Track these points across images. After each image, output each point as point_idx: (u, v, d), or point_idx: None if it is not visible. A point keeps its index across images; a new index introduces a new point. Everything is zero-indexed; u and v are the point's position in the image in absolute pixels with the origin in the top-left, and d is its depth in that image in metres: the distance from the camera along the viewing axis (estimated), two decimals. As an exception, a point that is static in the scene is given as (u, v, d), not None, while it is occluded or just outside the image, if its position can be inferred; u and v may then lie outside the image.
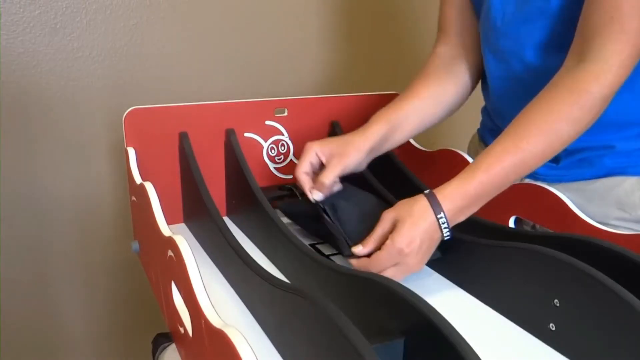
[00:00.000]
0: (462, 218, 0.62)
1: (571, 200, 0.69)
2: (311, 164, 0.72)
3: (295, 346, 0.49)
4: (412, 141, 0.93)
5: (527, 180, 0.76)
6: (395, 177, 0.85)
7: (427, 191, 0.62)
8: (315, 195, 0.70)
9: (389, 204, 0.66)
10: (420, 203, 0.61)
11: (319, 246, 0.78)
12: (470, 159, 0.81)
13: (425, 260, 0.63)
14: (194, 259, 0.48)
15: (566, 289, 0.51)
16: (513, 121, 0.62)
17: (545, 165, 0.73)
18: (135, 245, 0.78)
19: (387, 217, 0.63)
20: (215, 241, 0.69)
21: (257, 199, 0.74)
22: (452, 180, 0.62)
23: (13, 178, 1.05)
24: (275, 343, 0.54)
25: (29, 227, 1.09)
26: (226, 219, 0.87)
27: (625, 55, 0.58)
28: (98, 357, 1.26)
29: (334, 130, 0.92)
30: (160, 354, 0.77)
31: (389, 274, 0.61)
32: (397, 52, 1.32)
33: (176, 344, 0.61)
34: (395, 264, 0.61)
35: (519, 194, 0.74)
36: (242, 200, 0.82)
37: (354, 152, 0.71)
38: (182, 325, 0.53)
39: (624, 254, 0.53)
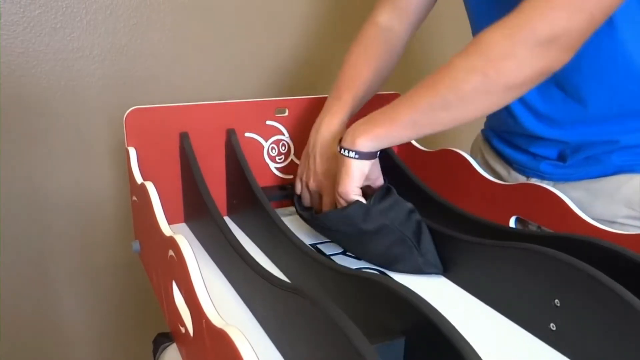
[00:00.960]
0: (364, 137, 0.64)
1: (578, 199, 0.68)
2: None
3: (296, 346, 0.49)
4: (412, 141, 0.93)
5: (533, 180, 0.76)
6: (395, 176, 0.85)
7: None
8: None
9: None
10: None
11: (319, 246, 0.78)
12: (471, 160, 0.82)
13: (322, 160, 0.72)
14: (194, 258, 0.48)
15: (566, 289, 0.51)
16: None
17: (551, 164, 0.75)
18: (135, 245, 0.78)
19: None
20: (216, 241, 0.69)
21: (257, 199, 0.74)
22: None
23: (13, 178, 1.05)
24: (276, 343, 0.54)
25: (29, 227, 1.09)
26: (227, 219, 0.87)
27: None
28: (98, 357, 1.26)
29: (334, 130, 0.92)
30: (161, 353, 0.77)
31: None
32: (397, 52, 1.32)
33: (177, 344, 0.61)
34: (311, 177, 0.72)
35: (520, 194, 0.74)
36: (242, 200, 0.82)
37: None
38: (183, 324, 0.53)
39: (624, 254, 0.53)
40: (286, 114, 0.89)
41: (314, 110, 0.91)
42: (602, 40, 0.62)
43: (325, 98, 0.92)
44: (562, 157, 0.74)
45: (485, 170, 0.81)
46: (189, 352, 0.54)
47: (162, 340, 0.79)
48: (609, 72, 0.66)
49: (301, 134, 0.91)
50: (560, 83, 0.70)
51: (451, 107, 0.59)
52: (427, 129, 0.63)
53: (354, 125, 0.67)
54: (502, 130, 0.83)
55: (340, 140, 0.67)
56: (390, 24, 0.79)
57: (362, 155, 0.65)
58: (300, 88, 1.25)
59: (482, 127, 0.91)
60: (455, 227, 0.68)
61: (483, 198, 0.79)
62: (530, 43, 0.54)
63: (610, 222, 0.66)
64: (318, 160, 0.74)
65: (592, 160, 0.71)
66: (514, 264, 0.57)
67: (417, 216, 0.68)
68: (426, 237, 0.67)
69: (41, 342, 1.18)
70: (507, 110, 0.76)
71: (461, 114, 0.60)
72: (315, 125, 0.77)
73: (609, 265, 0.51)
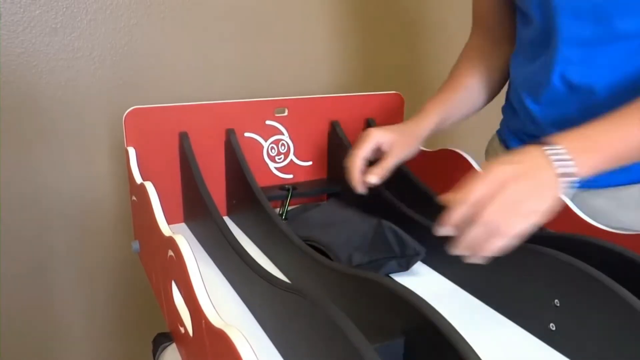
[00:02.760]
0: (585, 162, 0.48)
1: (602, 207, 0.64)
2: (371, 150, 0.74)
3: (295, 346, 0.49)
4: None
5: None
6: (395, 176, 0.85)
7: None
8: (373, 179, 0.72)
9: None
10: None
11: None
12: (471, 160, 0.82)
13: (529, 200, 0.46)
14: (194, 258, 0.48)
15: (566, 289, 0.51)
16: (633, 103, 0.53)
17: None
18: (135, 245, 0.78)
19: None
20: (216, 241, 0.69)
21: (257, 199, 0.74)
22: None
23: (13, 178, 1.05)
24: (275, 343, 0.54)
25: (28, 227, 1.09)
26: (226, 219, 0.87)
27: None
28: (98, 357, 1.26)
29: (334, 130, 0.92)
30: (160, 353, 0.77)
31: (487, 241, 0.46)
32: (397, 52, 1.32)
33: (177, 344, 0.61)
34: (481, 224, 0.45)
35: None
36: (242, 200, 0.82)
37: (415, 141, 0.76)
38: (183, 325, 0.53)
39: (624, 254, 0.52)
40: (286, 113, 0.89)
41: (313, 109, 0.91)
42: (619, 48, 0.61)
43: (325, 98, 0.92)
44: None
45: None
46: (188, 352, 0.54)
47: (161, 340, 0.79)
48: (628, 76, 0.62)
49: (301, 133, 0.91)
50: (578, 87, 0.66)
51: None
52: None
53: (578, 152, 0.49)
54: (523, 133, 0.82)
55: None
56: (484, 44, 0.85)
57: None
58: (300, 88, 1.25)
59: (498, 127, 0.90)
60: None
61: (483, 198, 0.79)
62: None
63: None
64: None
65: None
66: (514, 264, 0.57)
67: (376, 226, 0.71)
68: (394, 235, 0.69)
69: (41, 342, 1.18)
70: (527, 113, 0.74)
71: None
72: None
73: (609, 265, 0.51)
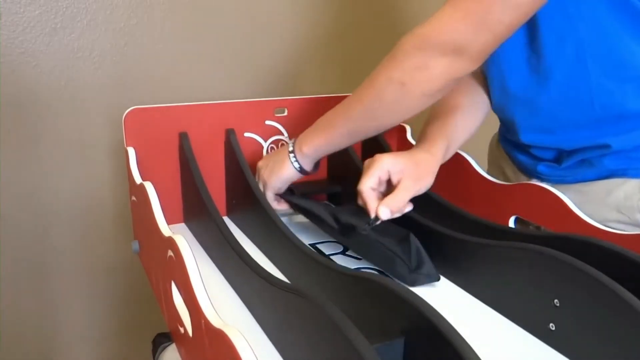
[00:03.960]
0: (304, 145, 0.74)
1: (573, 200, 0.68)
2: (379, 179, 0.67)
3: (295, 346, 0.49)
4: (411, 140, 0.93)
5: (534, 181, 0.76)
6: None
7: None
8: (384, 214, 0.65)
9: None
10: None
11: (319, 246, 0.78)
12: (471, 160, 0.82)
13: (272, 174, 0.77)
14: (193, 258, 0.48)
15: (566, 289, 0.51)
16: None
17: (547, 166, 0.76)
18: (135, 245, 0.78)
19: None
20: (216, 241, 0.69)
21: (257, 199, 0.74)
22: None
23: (13, 178, 1.05)
24: (275, 343, 0.54)
25: (28, 227, 1.09)
26: (226, 219, 0.87)
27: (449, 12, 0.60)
28: (98, 357, 1.26)
29: (334, 130, 0.91)
30: (160, 353, 0.77)
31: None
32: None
33: (176, 344, 0.61)
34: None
35: (519, 194, 0.74)
36: (242, 200, 0.82)
37: (429, 176, 0.68)
38: (182, 325, 0.53)
39: (624, 254, 0.52)
40: (285, 113, 0.89)
41: (313, 109, 0.91)
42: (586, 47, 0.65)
43: (325, 98, 0.92)
44: (557, 160, 0.75)
45: (489, 173, 0.81)
46: (188, 352, 0.54)
47: (161, 340, 0.79)
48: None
49: (301, 133, 0.91)
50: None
51: (377, 116, 0.67)
52: (361, 136, 0.73)
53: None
54: (509, 133, 0.83)
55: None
56: None
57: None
58: (299, 88, 1.25)
59: (498, 128, 0.90)
60: (455, 227, 0.68)
61: (483, 198, 0.79)
62: (439, 55, 0.59)
63: (602, 222, 0.66)
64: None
65: (585, 163, 0.72)
66: (514, 264, 0.57)
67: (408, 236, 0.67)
68: (417, 251, 0.65)
69: (41, 342, 1.18)
70: (509, 118, 0.76)
71: (387, 121, 0.68)
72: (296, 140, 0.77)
73: (609, 265, 0.51)
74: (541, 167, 0.77)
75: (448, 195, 0.78)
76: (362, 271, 0.55)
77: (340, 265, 0.58)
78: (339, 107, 0.71)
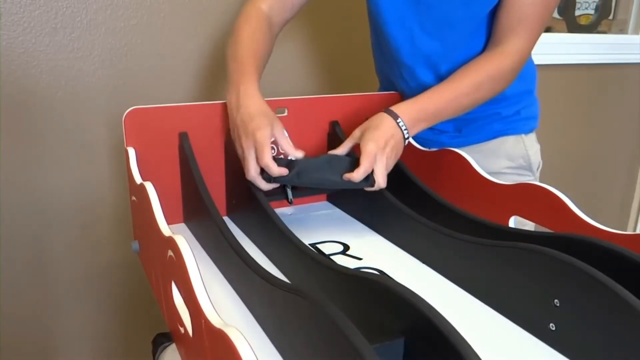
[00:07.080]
0: (415, 130, 0.78)
1: (473, 158, 0.81)
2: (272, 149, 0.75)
3: (295, 346, 0.49)
4: (412, 141, 0.93)
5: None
6: (395, 176, 0.85)
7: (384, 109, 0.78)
8: (299, 153, 0.76)
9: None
10: (379, 115, 0.77)
11: (319, 246, 0.78)
12: (471, 160, 0.82)
13: (396, 156, 0.76)
14: (194, 258, 0.48)
15: (566, 289, 0.51)
16: (450, 77, 0.82)
17: (451, 136, 0.96)
18: (135, 245, 0.78)
19: (355, 132, 0.77)
20: (216, 241, 0.69)
21: (257, 199, 0.74)
22: (406, 101, 0.80)
23: (13, 178, 1.05)
24: (275, 343, 0.54)
25: (29, 227, 1.10)
26: (226, 219, 0.87)
27: (526, 45, 0.82)
28: (98, 357, 1.26)
29: (334, 130, 0.92)
30: (160, 353, 0.77)
31: (378, 177, 0.73)
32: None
33: (176, 344, 0.61)
34: (376, 164, 0.73)
35: (519, 194, 0.74)
36: (242, 200, 0.82)
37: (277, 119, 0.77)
38: (182, 325, 0.53)
39: (624, 254, 0.53)
40: (285, 113, 0.89)
41: (313, 110, 0.91)
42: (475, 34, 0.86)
43: (324, 98, 0.92)
44: (458, 130, 0.95)
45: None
46: (188, 352, 0.54)
47: (161, 340, 0.79)
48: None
49: (300, 133, 0.91)
50: (441, 74, 0.89)
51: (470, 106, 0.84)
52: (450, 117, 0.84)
53: (412, 123, 0.79)
54: None
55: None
56: (270, 13, 0.87)
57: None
58: (300, 88, 1.25)
59: None
60: (454, 226, 0.68)
61: (483, 198, 0.79)
62: (515, 73, 0.84)
63: (497, 174, 0.87)
64: (391, 154, 0.77)
65: (480, 129, 0.94)
66: (514, 264, 0.57)
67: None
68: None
69: (41, 342, 1.18)
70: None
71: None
72: (232, 104, 0.77)
73: (609, 265, 0.51)
74: (444, 138, 0.96)
75: (447, 195, 0.78)
76: (362, 271, 0.55)
77: (340, 265, 0.58)
78: (446, 95, 0.81)
